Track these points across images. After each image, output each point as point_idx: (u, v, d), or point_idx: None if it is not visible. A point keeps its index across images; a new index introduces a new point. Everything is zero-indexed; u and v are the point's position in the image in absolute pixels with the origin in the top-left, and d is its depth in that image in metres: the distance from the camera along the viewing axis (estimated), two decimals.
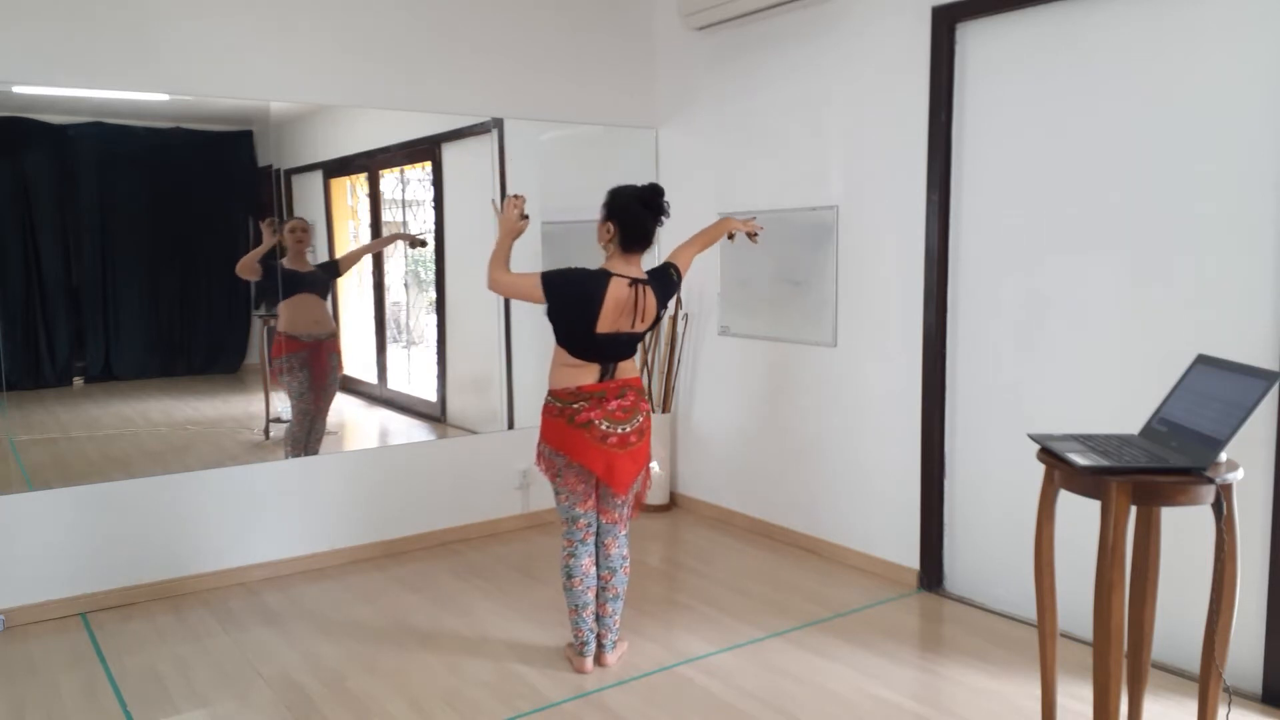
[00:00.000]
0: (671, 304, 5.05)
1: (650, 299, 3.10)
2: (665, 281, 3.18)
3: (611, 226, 3.06)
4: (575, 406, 3.09)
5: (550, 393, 3.15)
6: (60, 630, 3.60)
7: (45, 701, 3.03)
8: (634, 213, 3.05)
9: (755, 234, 3.43)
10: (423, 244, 4.82)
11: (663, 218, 3.10)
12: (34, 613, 3.66)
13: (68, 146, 3.97)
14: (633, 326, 3.09)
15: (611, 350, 3.10)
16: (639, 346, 3.26)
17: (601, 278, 3.03)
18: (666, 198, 3.11)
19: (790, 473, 4.53)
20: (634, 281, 3.06)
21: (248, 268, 4.26)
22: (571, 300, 3.04)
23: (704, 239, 3.37)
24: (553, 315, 3.10)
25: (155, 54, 3.76)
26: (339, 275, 4.62)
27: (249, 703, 3.01)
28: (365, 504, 4.40)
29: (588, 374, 3.11)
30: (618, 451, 3.10)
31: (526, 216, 3.22)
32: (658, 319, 3.20)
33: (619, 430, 3.09)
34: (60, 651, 3.40)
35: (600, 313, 3.02)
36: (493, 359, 4.85)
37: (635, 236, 3.06)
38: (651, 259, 3.31)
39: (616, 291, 3.03)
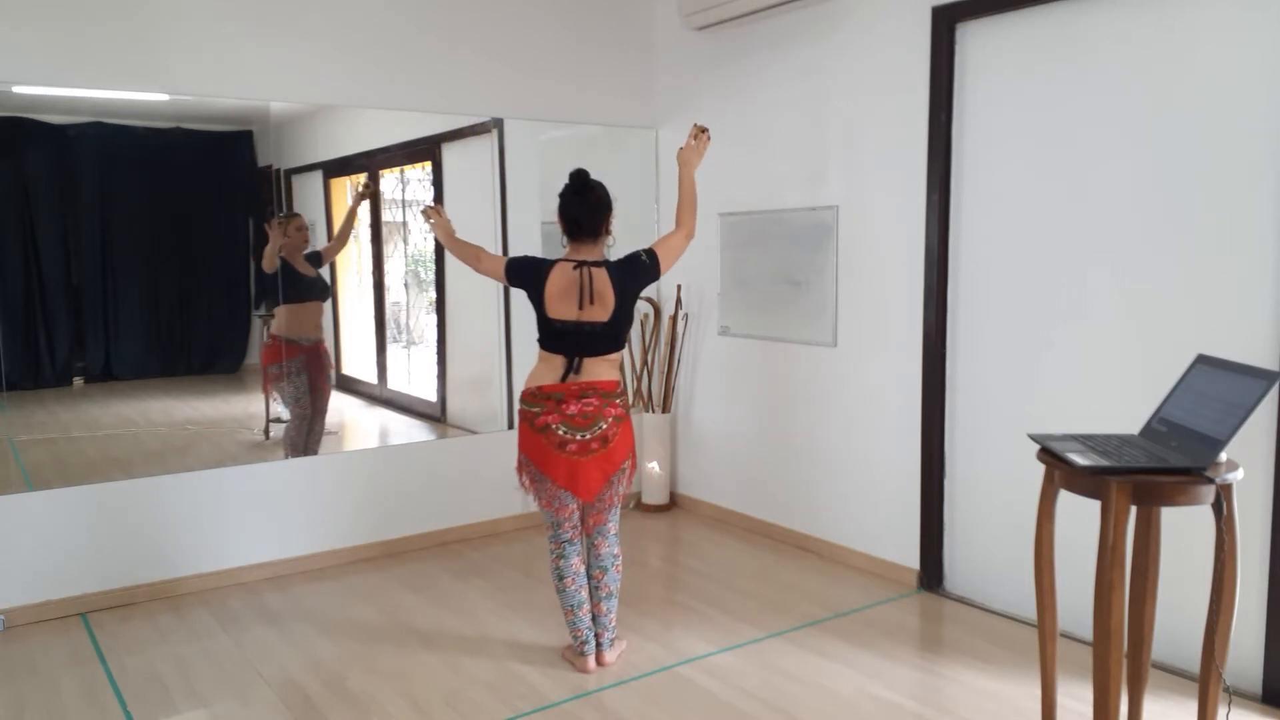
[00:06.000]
0: (671, 304, 5.06)
1: (603, 281, 3.05)
2: (633, 265, 3.13)
3: (558, 222, 3.16)
4: (535, 410, 3.09)
5: (520, 395, 3.16)
6: (60, 630, 3.60)
7: (45, 701, 3.03)
8: (565, 201, 3.13)
9: (703, 132, 3.33)
10: (370, 189, 4.81)
11: (596, 200, 3.09)
12: (34, 613, 3.66)
13: (68, 146, 3.96)
14: (582, 310, 3.04)
15: (574, 341, 3.08)
16: (620, 345, 3.15)
17: (547, 264, 3.12)
18: (595, 178, 3.14)
19: (790, 473, 4.53)
20: (580, 264, 3.07)
21: (270, 262, 4.29)
22: (524, 283, 3.15)
23: (681, 205, 3.27)
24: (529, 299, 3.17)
25: (155, 54, 3.76)
26: (320, 265, 4.58)
27: (249, 703, 3.01)
28: (365, 504, 4.40)
29: (551, 371, 3.10)
30: (579, 459, 3.07)
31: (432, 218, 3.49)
32: (623, 307, 3.09)
33: (577, 437, 3.06)
34: (60, 651, 3.41)
35: (544, 296, 3.08)
36: (492, 359, 4.85)
37: (571, 223, 3.12)
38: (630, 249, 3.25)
39: (559, 276, 3.07)
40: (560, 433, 3.06)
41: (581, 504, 3.17)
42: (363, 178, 4.79)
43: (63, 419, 4.08)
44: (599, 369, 3.11)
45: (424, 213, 3.54)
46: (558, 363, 3.10)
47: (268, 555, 4.16)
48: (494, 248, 4.58)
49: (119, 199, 4.10)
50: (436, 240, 4.81)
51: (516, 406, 4.75)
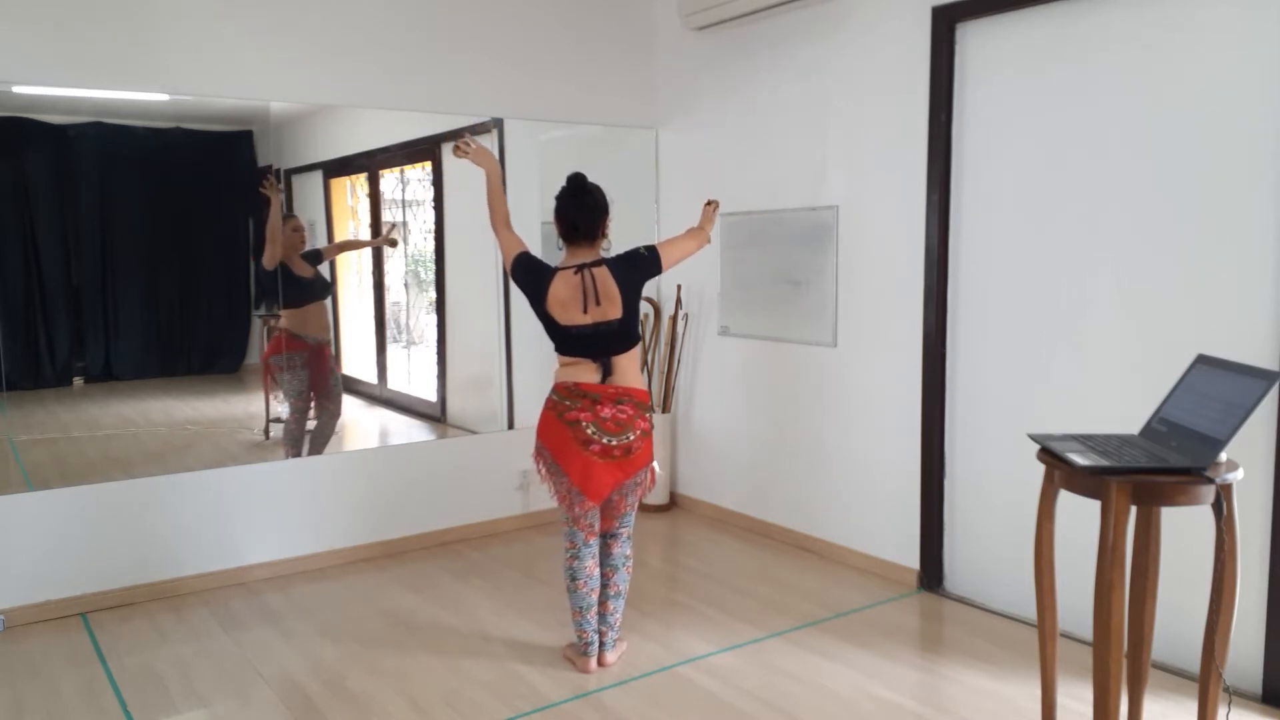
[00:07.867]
0: (671, 304, 5.06)
1: (606, 279, 3.05)
2: (633, 259, 3.13)
3: (555, 224, 3.14)
4: (568, 403, 3.09)
5: (553, 387, 3.16)
6: (60, 630, 3.60)
7: (45, 701, 3.03)
8: (561, 204, 3.12)
9: (709, 204, 3.42)
10: (393, 244, 4.84)
11: (593, 203, 3.08)
12: (34, 613, 3.66)
13: (68, 146, 3.97)
14: (586, 312, 3.04)
15: (596, 343, 3.08)
16: (638, 336, 3.18)
17: (548, 273, 3.10)
18: (593, 181, 3.13)
19: (790, 473, 4.53)
20: (580, 268, 3.06)
21: (271, 257, 4.28)
22: (526, 285, 3.13)
23: (689, 236, 3.30)
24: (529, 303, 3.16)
25: (155, 54, 3.76)
26: (319, 263, 4.58)
27: (249, 703, 3.01)
28: (365, 504, 4.40)
29: (588, 372, 3.10)
30: (597, 460, 3.07)
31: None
32: (631, 301, 3.09)
33: (604, 440, 3.06)
34: (60, 651, 3.40)
35: (549, 306, 3.07)
36: (493, 359, 4.85)
37: (568, 226, 3.11)
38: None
39: (561, 285, 3.06)
40: (589, 431, 3.06)
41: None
42: (394, 237, 4.85)
43: (63, 419, 4.08)
44: (629, 370, 3.12)
45: (457, 149, 3.22)
46: (590, 366, 3.10)
47: (268, 555, 4.16)
48: (494, 249, 4.57)
49: (119, 199, 4.11)
50: (436, 240, 4.85)
51: (521, 401, 4.81)
